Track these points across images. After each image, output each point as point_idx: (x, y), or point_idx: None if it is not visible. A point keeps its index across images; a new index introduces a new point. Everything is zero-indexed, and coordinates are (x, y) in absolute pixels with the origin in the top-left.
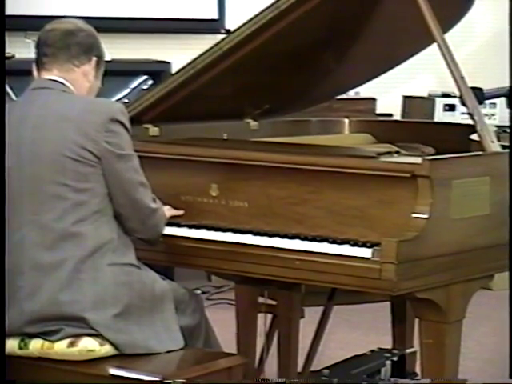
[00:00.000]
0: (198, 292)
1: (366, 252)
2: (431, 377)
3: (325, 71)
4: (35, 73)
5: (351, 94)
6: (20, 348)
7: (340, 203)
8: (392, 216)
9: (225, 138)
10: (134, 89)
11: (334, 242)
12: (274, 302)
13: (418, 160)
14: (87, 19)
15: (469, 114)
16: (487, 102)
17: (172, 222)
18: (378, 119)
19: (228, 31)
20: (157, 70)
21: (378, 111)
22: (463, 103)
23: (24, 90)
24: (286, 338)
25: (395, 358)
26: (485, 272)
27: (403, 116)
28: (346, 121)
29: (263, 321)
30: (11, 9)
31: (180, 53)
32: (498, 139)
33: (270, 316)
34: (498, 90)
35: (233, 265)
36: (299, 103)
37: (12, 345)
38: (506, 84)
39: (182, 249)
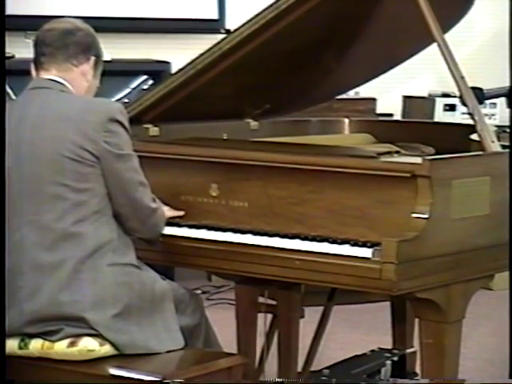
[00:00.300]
0: (198, 292)
1: (366, 252)
2: (431, 377)
3: (325, 71)
4: (33, 72)
5: (351, 93)
6: (20, 348)
7: (340, 203)
8: (392, 216)
9: (225, 137)
10: (134, 89)
11: (334, 241)
12: (274, 302)
13: (418, 160)
14: (87, 19)
15: (469, 113)
16: (487, 101)
17: (172, 221)
18: (378, 119)
19: (228, 31)
20: (157, 70)
21: (378, 111)
22: (463, 103)
23: (24, 90)
24: (286, 338)
25: (395, 358)
26: (485, 272)
27: (403, 116)
28: (346, 121)
29: (263, 321)
30: (11, 9)
31: (180, 53)
32: (498, 139)
33: (270, 316)
34: (498, 89)
35: (233, 265)
36: (299, 103)
37: (12, 345)
38: (506, 84)
39: (182, 249)
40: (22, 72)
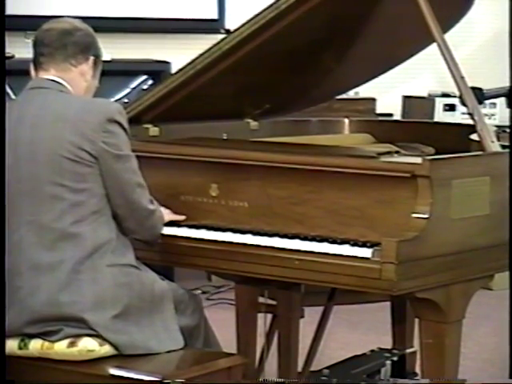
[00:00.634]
0: (198, 292)
1: (366, 252)
2: (431, 377)
3: (325, 71)
4: (32, 72)
5: (351, 94)
6: (20, 348)
7: (340, 203)
8: (392, 216)
9: (225, 137)
10: (133, 89)
11: (333, 241)
12: (274, 302)
13: (418, 160)
14: (87, 19)
15: (469, 113)
16: (487, 101)
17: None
18: (377, 119)
19: (228, 31)
20: (157, 70)
21: (377, 111)
22: (463, 103)
23: (23, 90)
24: (286, 338)
25: (395, 358)
26: (485, 272)
27: (403, 116)
28: (346, 121)
29: (263, 321)
30: (11, 9)
31: (180, 53)
32: (498, 139)
33: (270, 316)
34: (498, 90)
35: (233, 265)
36: (299, 103)
37: (12, 345)
38: (506, 84)
39: (182, 249)
40: (21, 72)
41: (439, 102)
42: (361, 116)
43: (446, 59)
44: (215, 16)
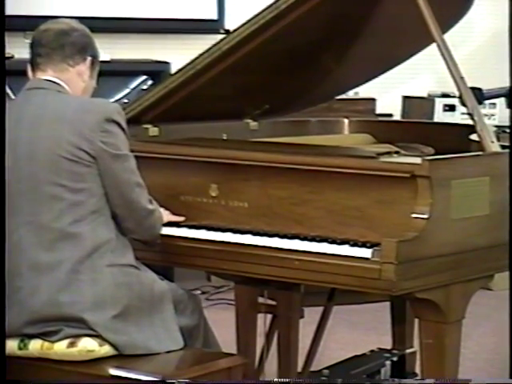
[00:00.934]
0: (198, 292)
1: (365, 252)
2: (431, 377)
3: (324, 71)
4: (30, 73)
5: (351, 94)
6: (20, 348)
7: (340, 203)
8: (392, 216)
9: (224, 138)
10: (133, 89)
11: (333, 242)
12: (273, 302)
13: (418, 160)
14: (87, 19)
15: (468, 114)
16: (487, 101)
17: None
18: (377, 119)
19: (227, 31)
20: (156, 70)
21: (377, 111)
22: (463, 103)
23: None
24: (286, 338)
25: (395, 358)
26: (485, 272)
27: (403, 116)
28: (346, 121)
29: (263, 321)
30: (11, 9)
31: (180, 53)
32: (498, 139)
33: (269, 316)
34: (498, 90)
35: (232, 265)
36: (299, 103)
37: (12, 345)
38: (506, 84)
39: (182, 249)
40: (21, 72)
41: (439, 103)
42: (360, 116)
43: (445, 59)
44: (215, 16)
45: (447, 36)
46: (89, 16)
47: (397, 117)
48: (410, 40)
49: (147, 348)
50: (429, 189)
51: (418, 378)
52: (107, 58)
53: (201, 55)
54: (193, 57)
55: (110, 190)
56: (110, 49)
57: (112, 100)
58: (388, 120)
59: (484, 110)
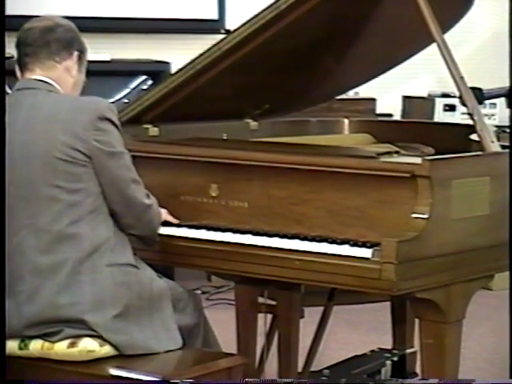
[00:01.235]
0: (198, 292)
1: (365, 252)
2: (431, 377)
3: (325, 71)
4: (18, 73)
5: (351, 94)
6: (20, 348)
7: (340, 203)
8: (392, 216)
9: (224, 138)
10: (133, 89)
11: (333, 242)
12: (273, 302)
13: (418, 160)
14: (87, 19)
15: (469, 114)
16: (487, 102)
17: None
18: (377, 119)
19: (228, 31)
20: (156, 70)
21: (377, 111)
22: (463, 103)
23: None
24: (286, 338)
25: (395, 358)
26: (485, 272)
27: (403, 116)
28: (346, 121)
29: (263, 321)
30: (11, 9)
31: (180, 53)
32: (498, 139)
33: (270, 316)
34: (498, 90)
35: (232, 265)
36: (299, 103)
37: (12, 345)
38: (506, 84)
39: (182, 249)
40: None
41: (439, 103)
42: (361, 116)
43: (445, 59)
44: (215, 16)
45: (447, 36)
46: (89, 16)
47: (397, 117)
48: (410, 40)
49: (147, 348)
50: (429, 189)
51: (419, 377)
52: (107, 58)
53: (201, 55)
54: (193, 57)
55: (106, 187)
56: (110, 49)
57: (112, 100)
58: (388, 120)
59: (484, 110)
